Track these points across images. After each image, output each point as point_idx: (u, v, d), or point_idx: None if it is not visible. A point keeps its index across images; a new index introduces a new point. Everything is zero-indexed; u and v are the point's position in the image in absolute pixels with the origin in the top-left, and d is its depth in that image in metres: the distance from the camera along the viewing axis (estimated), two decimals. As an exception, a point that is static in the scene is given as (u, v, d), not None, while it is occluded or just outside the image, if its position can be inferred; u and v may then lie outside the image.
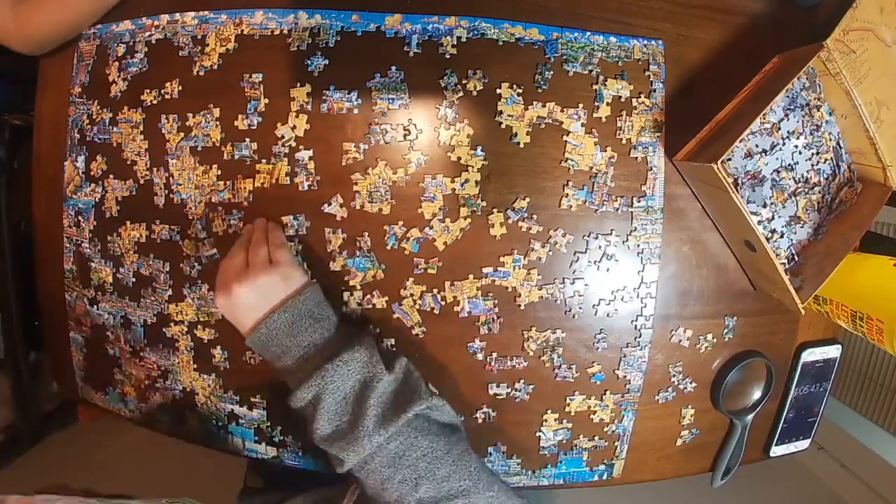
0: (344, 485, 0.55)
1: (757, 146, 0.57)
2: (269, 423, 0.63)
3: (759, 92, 0.56)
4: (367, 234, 0.58)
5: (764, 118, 0.57)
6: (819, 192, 0.60)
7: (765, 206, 0.58)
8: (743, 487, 0.78)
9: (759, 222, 0.58)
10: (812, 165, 0.59)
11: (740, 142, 0.52)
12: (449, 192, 0.57)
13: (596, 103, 0.58)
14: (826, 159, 0.59)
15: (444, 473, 0.47)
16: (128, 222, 0.62)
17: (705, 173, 0.53)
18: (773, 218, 0.59)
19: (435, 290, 0.58)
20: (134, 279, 0.63)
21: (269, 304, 0.50)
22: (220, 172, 0.59)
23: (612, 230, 0.59)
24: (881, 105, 0.55)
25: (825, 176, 0.60)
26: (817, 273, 0.57)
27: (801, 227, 0.60)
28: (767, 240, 0.58)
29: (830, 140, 0.59)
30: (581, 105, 0.57)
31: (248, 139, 0.58)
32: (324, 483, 0.60)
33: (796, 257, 0.60)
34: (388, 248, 0.58)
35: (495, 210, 0.57)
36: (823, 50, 0.52)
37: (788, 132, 0.58)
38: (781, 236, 0.59)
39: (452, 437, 0.51)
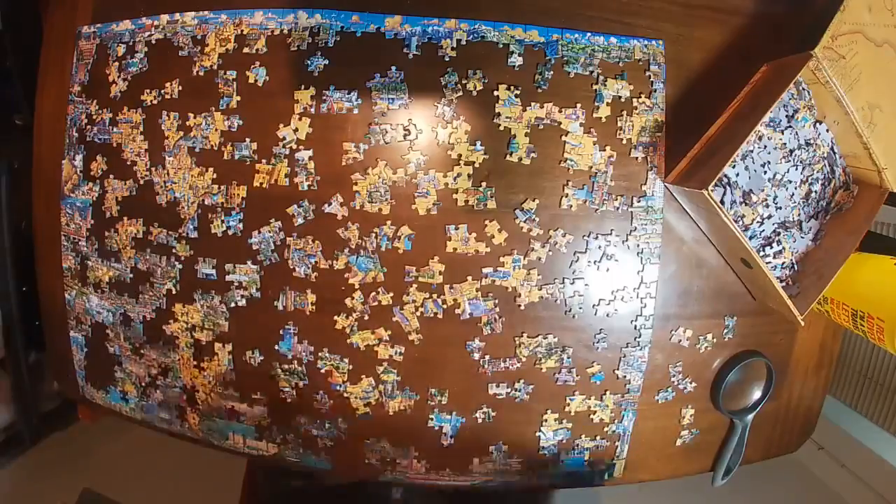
0: None
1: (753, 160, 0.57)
2: (270, 420, 0.63)
3: (749, 106, 0.56)
4: (367, 234, 0.58)
5: (759, 138, 0.57)
6: (813, 202, 0.60)
7: (758, 203, 0.58)
8: (743, 487, 0.77)
9: (754, 222, 0.58)
10: (806, 177, 0.59)
11: (728, 167, 0.51)
12: (441, 186, 0.57)
13: (596, 103, 0.58)
14: (819, 168, 0.59)
15: None
16: (125, 218, 0.62)
17: (697, 197, 0.53)
18: (763, 222, 0.59)
19: (435, 295, 0.58)
20: (132, 275, 0.63)
21: None
22: (215, 176, 0.59)
23: (611, 230, 0.59)
24: (873, 108, 0.54)
25: (819, 184, 0.60)
26: (816, 281, 0.57)
27: (802, 236, 0.60)
28: (767, 245, 0.59)
29: (823, 146, 0.59)
30: (579, 105, 0.57)
31: (248, 139, 0.58)
32: None
33: (795, 265, 0.60)
34: (383, 249, 0.58)
35: (504, 209, 0.57)
36: (812, 60, 0.51)
37: (779, 146, 0.58)
38: (781, 251, 0.59)
39: None
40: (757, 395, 0.66)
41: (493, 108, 0.57)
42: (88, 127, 0.63)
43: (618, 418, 0.63)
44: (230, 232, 0.59)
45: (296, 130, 0.57)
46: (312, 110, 0.57)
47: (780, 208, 0.59)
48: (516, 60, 0.57)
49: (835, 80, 0.53)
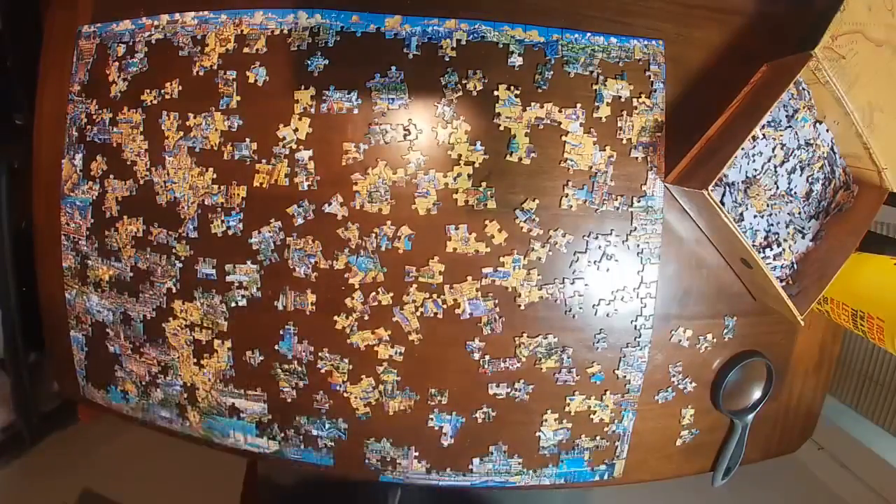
0: None
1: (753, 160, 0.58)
2: (270, 417, 0.63)
3: (749, 106, 0.56)
4: (367, 234, 0.58)
5: (754, 139, 0.57)
6: (814, 202, 0.60)
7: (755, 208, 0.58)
8: (743, 487, 0.78)
9: (752, 228, 0.58)
10: (806, 177, 0.59)
11: (728, 167, 0.51)
12: (441, 186, 0.57)
13: (596, 103, 0.58)
14: (819, 168, 0.59)
15: None
16: (125, 217, 0.62)
17: (697, 197, 0.53)
18: (768, 229, 0.59)
19: (435, 295, 0.58)
20: (132, 273, 0.63)
21: None
22: (215, 176, 0.59)
23: (611, 230, 0.59)
24: (874, 108, 0.54)
25: (819, 184, 0.60)
26: (817, 281, 0.57)
27: (802, 237, 0.60)
28: (767, 246, 0.59)
29: (823, 146, 0.59)
30: (579, 105, 0.57)
31: (248, 139, 0.58)
32: None
33: (795, 265, 0.60)
34: (383, 249, 0.58)
35: (504, 209, 0.57)
36: (812, 60, 0.51)
37: (779, 147, 0.58)
38: (781, 252, 0.59)
39: None
40: (757, 395, 0.66)
41: (493, 108, 0.57)
42: (88, 127, 0.63)
43: (618, 418, 0.63)
44: (230, 232, 0.59)
45: (296, 130, 0.57)
46: (312, 110, 0.57)
47: (780, 208, 0.59)
48: (516, 60, 0.57)
49: (835, 80, 0.53)
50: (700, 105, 0.59)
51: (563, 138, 0.58)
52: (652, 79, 0.59)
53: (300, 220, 0.58)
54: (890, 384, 1.04)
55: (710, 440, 0.68)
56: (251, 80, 0.58)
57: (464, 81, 0.57)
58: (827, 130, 0.59)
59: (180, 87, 0.60)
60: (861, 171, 0.59)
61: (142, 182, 0.61)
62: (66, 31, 0.65)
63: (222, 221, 0.59)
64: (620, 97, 0.58)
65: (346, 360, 0.60)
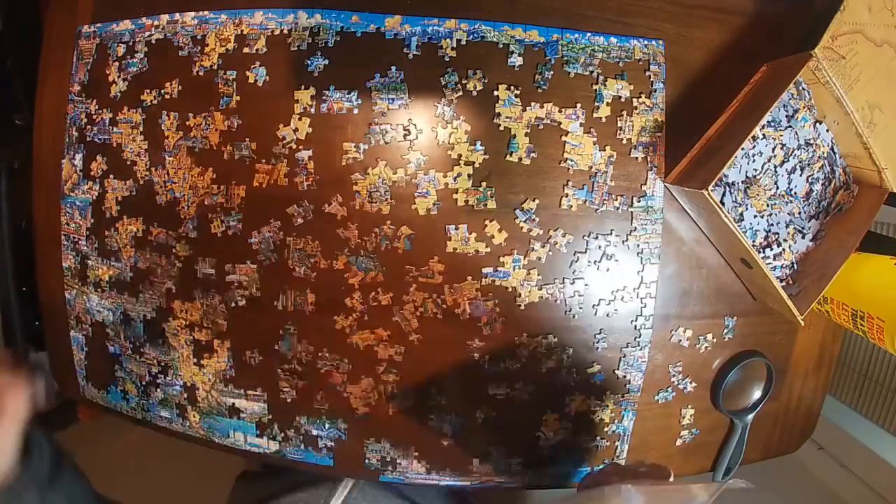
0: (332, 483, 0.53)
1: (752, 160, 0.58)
2: (270, 417, 0.63)
3: (749, 106, 0.56)
4: (367, 234, 0.58)
5: (754, 139, 0.57)
6: (814, 202, 0.60)
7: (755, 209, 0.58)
8: (743, 487, 0.77)
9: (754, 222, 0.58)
10: (806, 177, 0.59)
11: (728, 167, 0.51)
12: (441, 186, 0.57)
13: (596, 103, 0.58)
14: (819, 168, 0.59)
15: None
16: (125, 217, 0.63)
17: (697, 197, 0.53)
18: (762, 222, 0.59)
19: (435, 295, 0.58)
20: (132, 273, 0.63)
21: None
22: (215, 176, 0.59)
23: (612, 230, 0.59)
24: (873, 108, 0.54)
25: (819, 184, 0.60)
26: (817, 281, 0.57)
27: (802, 237, 0.60)
28: (767, 246, 0.59)
29: (823, 146, 0.59)
30: (579, 105, 0.57)
31: (248, 139, 0.58)
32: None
33: (795, 265, 0.60)
34: (383, 249, 0.58)
35: (504, 209, 0.57)
36: (812, 60, 0.51)
37: (779, 147, 0.58)
38: (781, 252, 0.59)
39: None
40: (757, 395, 0.66)
41: (493, 108, 0.57)
42: (88, 127, 0.63)
43: (618, 418, 0.63)
44: (230, 232, 0.59)
45: (296, 130, 0.57)
46: (312, 110, 0.57)
47: (780, 208, 0.59)
48: (516, 60, 0.57)
49: (835, 80, 0.53)
50: (700, 105, 0.59)
51: (563, 138, 0.58)
52: (652, 79, 0.59)
53: (300, 220, 0.58)
54: (890, 384, 1.04)
55: (710, 440, 0.68)
56: (251, 80, 0.58)
57: (464, 81, 0.57)
58: (827, 130, 0.59)
59: (180, 87, 0.60)
60: (861, 171, 0.59)
61: (142, 182, 0.61)
62: (66, 31, 0.65)
63: (222, 221, 0.59)
64: (620, 97, 0.58)
65: (346, 360, 0.60)
